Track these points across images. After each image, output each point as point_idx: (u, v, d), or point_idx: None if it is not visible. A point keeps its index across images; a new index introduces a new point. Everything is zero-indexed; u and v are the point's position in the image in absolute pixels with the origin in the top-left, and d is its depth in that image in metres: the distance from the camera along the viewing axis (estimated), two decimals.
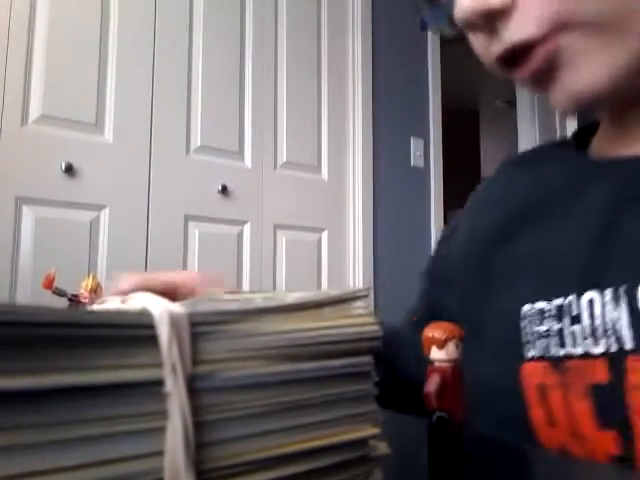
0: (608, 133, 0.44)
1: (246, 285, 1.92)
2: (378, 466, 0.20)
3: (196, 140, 1.90)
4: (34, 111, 1.61)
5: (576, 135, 0.49)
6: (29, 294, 1.50)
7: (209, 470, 0.16)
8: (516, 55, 0.37)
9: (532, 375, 0.38)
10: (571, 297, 0.37)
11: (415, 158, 2.44)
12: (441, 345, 0.25)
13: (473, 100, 5.46)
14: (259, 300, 0.22)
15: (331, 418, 0.19)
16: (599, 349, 0.35)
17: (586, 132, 0.48)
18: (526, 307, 0.39)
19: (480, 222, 0.49)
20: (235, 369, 0.17)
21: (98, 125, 1.72)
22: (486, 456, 0.30)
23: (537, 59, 0.36)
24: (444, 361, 0.25)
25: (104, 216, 1.70)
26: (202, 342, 0.17)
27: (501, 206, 0.48)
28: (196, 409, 0.16)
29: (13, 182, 1.56)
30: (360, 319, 0.20)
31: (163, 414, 0.16)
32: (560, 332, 0.37)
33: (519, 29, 0.36)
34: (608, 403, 0.34)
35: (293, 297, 0.21)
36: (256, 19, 2.08)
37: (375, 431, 0.20)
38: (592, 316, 0.35)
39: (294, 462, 0.18)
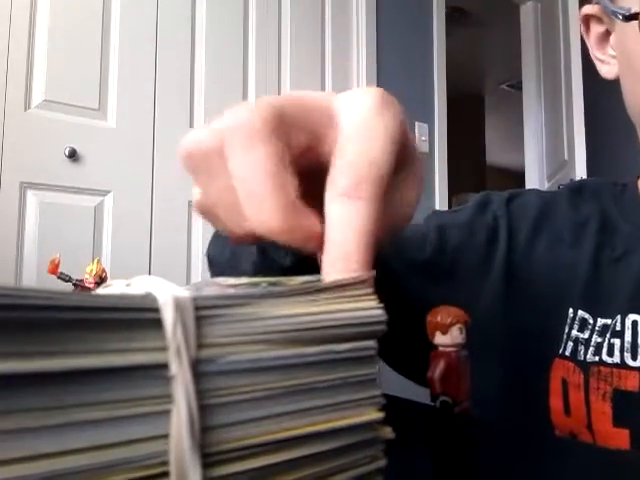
0: None
1: None
2: (382, 450, 0.20)
3: (199, 125, 1.89)
4: (37, 96, 1.61)
5: None
6: (34, 279, 1.50)
7: (214, 453, 0.16)
8: None
9: (559, 369, 0.42)
10: (617, 317, 0.41)
11: (420, 143, 2.43)
12: (445, 330, 0.25)
13: (478, 84, 5.42)
14: (263, 284, 0.22)
15: (335, 402, 0.19)
16: (637, 363, 0.39)
17: None
18: (570, 311, 0.44)
19: (543, 228, 0.50)
20: (240, 353, 0.17)
21: (101, 110, 1.71)
22: (490, 441, 0.30)
23: None
24: (448, 346, 0.25)
25: (108, 201, 1.70)
26: (207, 326, 0.17)
27: (567, 218, 0.49)
28: (201, 392, 0.16)
29: (17, 167, 1.56)
30: (365, 303, 0.20)
31: (168, 397, 0.16)
32: (599, 344, 0.41)
33: None
34: (629, 408, 0.38)
35: (298, 281, 0.21)
36: (259, 3, 2.06)
37: (380, 415, 0.20)
38: (635, 335, 0.40)
39: (298, 446, 0.18)
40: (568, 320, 0.43)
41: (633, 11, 0.41)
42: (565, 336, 0.43)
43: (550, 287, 0.46)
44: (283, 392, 0.18)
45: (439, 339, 0.25)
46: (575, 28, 2.35)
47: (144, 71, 1.79)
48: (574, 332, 0.43)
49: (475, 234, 0.50)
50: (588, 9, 0.50)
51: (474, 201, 0.54)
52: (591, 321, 0.42)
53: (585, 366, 0.41)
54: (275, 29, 2.10)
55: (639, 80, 0.44)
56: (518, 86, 3.42)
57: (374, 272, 0.22)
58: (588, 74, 2.30)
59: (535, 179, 2.98)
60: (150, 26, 1.81)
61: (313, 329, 0.19)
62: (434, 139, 2.49)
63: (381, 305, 0.21)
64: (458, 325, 0.25)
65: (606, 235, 0.47)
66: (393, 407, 0.21)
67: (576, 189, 0.52)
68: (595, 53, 0.51)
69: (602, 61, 0.50)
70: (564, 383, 0.41)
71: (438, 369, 0.25)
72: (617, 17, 0.43)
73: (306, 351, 0.19)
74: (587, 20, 0.51)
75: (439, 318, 0.25)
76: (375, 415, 0.20)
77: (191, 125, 1.87)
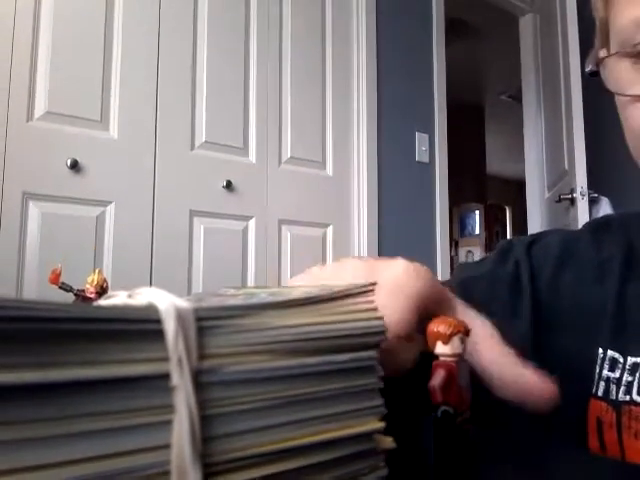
0: None
1: (251, 281, 1.92)
2: (383, 460, 0.20)
3: (201, 136, 1.90)
4: (39, 108, 1.62)
5: None
6: (35, 289, 1.50)
7: (215, 463, 0.16)
8: None
9: (594, 409, 0.42)
10: None
11: (420, 153, 2.44)
12: (446, 340, 0.25)
13: (478, 95, 5.44)
14: (264, 295, 0.22)
15: (336, 412, 0.19)
16: None
17: None
18: (600, 351, 0.44)
19: (566, 270, 0.49)
20: (241, 363, 0.17)
21: (103, 121, 1.72)
22: (490, 450, 0.30)
23: None
24: (449, 356, 0.25)
25: (110, 212, 1.71)
26: (208, 337, 0.17)
27: (590, 254, 0.49)
28: (202, 403, 0.16)
29: (19, 178, 1.57)
30: (365, 314, 0.21)
31: (169, 408, 0.16)
32: (630, 383, 0.41)
33: None
34: None
35: (298, 292, 0.21)
36: (260, 14, 2.07)
37: (380, 425, 0.20)
38: None
39: (299, 456, 0.18)
40: (598, 360, 0.43)
41: (588, 70, 0.47)
42: (597, 376, 0.43)
43: (578, 327, 0.45)
44: (284, 402, 0.18)
45: (440, 349, 0.25)
46: (574, 39, 2.36)
47: (146, 82, 1.80)
48: (605, 372, 0.43)
49: (498, 283, 0.50)
50: None
51: (496, 249, 0.54)
52: (621, 360, 0.42)
53: (617, 405, 0.41)
54: (276, 47, 2.11)
55: (625, 128, 0.47)
56: (518, 96, 3.44)
57: (375, 283, 0.22)
58: (587, 84, 2.31)
59: (536, 189, 2.99)
60: (152, 38, 1.82)
61: (314, 339, 0.19)
62: (434, 149, 2.49)
63: (381, 315, 0.21)
64: (459, 335, 0.25)
65: (631, 269, 0.46)
66: (394, 417, 0.21)
67: (601, 224, 0.52)
68: None
69: None
70: (599, 422, 0.41)
71: (439, 379, 0.25)
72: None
73: (307, 361, 0.19)
74: None
75: (440, 328, 0.25)
76: (376, 425, 0.20)
77: (192, 135, 1.88)
